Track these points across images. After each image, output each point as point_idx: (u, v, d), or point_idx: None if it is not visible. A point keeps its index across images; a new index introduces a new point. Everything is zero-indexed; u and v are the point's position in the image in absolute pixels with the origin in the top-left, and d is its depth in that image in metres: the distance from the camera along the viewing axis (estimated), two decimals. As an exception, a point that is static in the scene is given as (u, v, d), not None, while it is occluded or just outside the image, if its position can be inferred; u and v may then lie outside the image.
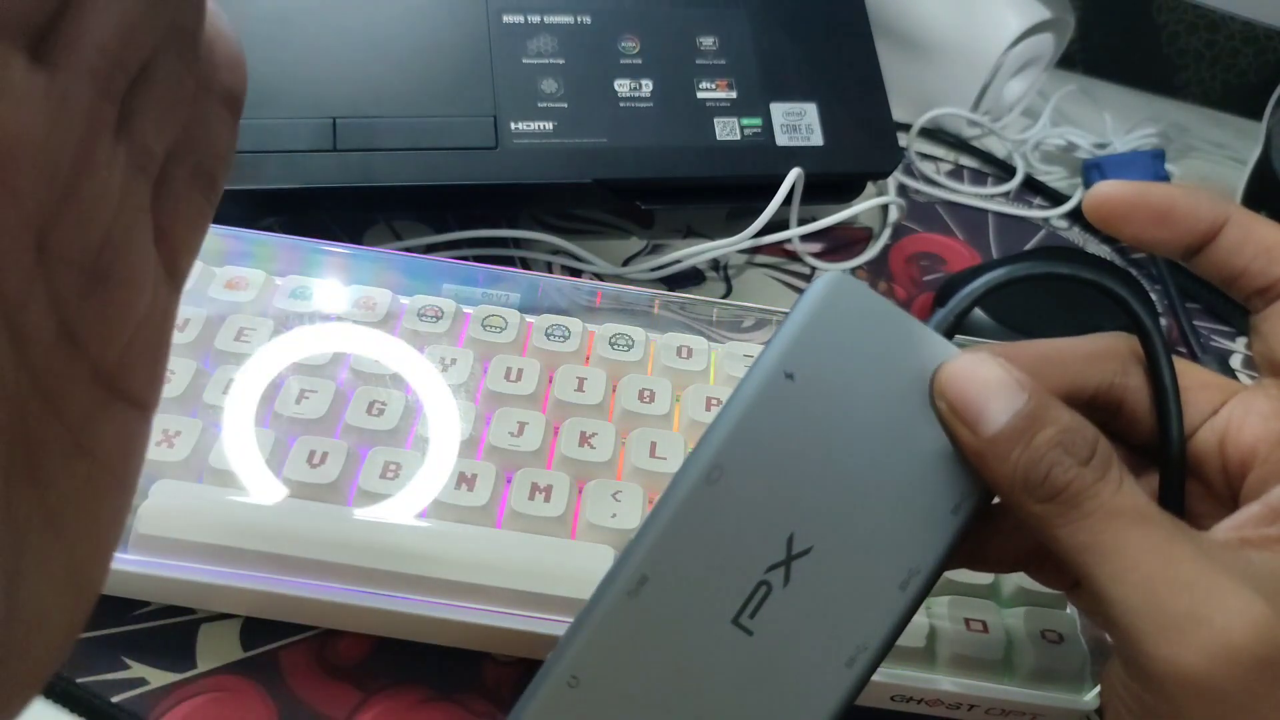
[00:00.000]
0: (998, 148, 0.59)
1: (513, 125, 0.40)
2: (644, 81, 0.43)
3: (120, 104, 0.15)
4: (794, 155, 0.43)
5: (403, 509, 0.29)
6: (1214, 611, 0.16)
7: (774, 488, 0.19)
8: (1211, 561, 0.17)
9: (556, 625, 0.27)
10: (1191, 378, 0.21)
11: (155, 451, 0.28)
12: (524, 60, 0.42)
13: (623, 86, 0.42)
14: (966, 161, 0.57)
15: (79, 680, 0.27)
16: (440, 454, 0.30)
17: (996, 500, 0.20)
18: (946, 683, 0.28)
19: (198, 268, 0.34)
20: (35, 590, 0.15)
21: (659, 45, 0.43)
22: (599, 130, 0.41)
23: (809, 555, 0.19)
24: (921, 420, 0.19)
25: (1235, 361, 0.47)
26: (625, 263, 0.45)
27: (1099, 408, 0.21)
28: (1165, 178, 0.55)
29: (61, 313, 0.15)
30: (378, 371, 0.32)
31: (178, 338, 0.31)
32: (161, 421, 0.29)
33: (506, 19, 0.42)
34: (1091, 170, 0.56)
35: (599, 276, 0.43)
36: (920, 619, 0.29)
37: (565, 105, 0.41)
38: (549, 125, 0.41)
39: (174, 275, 0.18)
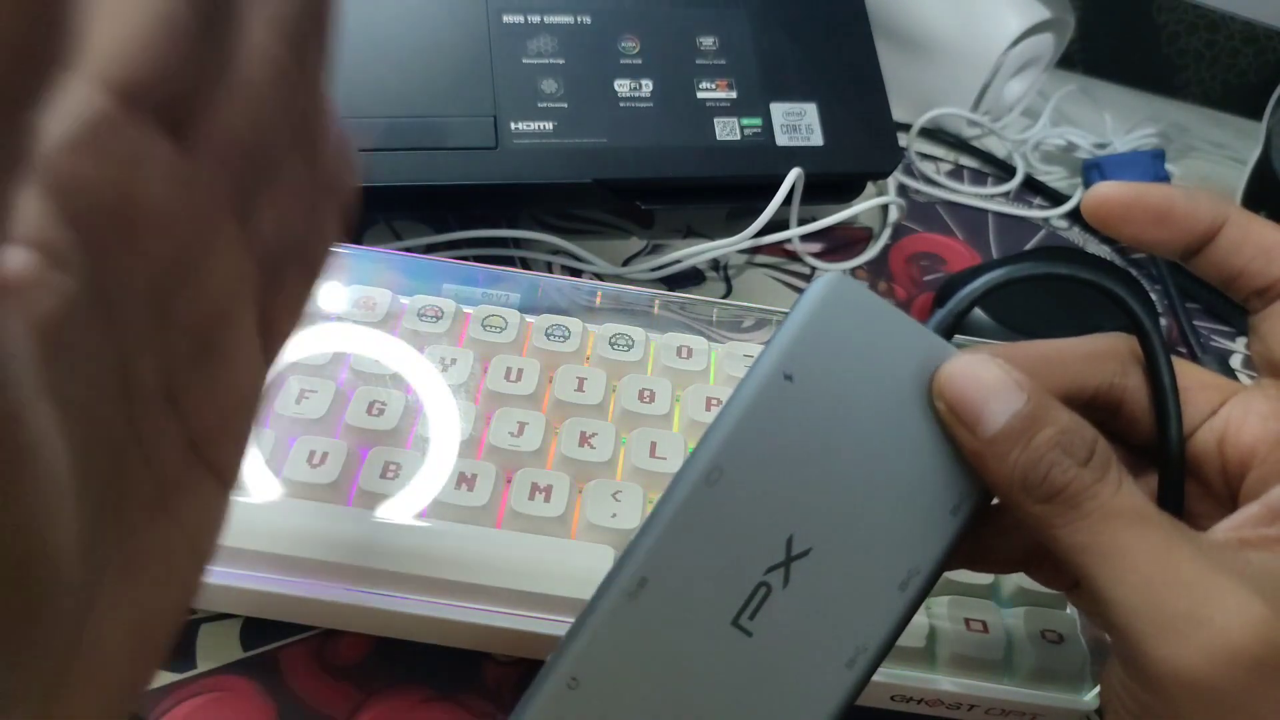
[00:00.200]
0: (998, 148, 0.59)
1: (513, 125, 0.40)
2: (644, 81, 0.43)
3: (247, 195, 0.16)
4: (794, 155, 0.43)
5: (403, 509, 0.29)
6: (1213, 612, 0.16)
7: (773, 489, 0.19)
8: (1210, 562, 0.17)
9: (556, 625, 0.27)
10: (1191, 378, 0.21)
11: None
12: (524, 60, 0.42)
13: (623, 86, 0.42)
14: (966, 161, 0.58)
15: (79, 680, 0.27)
16: (440, 454, 0.30)
17: (996, 501, 0.20)
18: (946, 683, 0.28)
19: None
20: (103, 628, 0.15)
21: (659, 45, 0.43)
22: (599, 130, 0.41)
23: (808, 556, 0.19)
24: (921, 421, 0.20)
25: (1235, 361, 0.47)
26: (625, 263, 0.45)
27: (1098, 408, 0.21)
28: (1165, 178, 0.55)
29: (169, 374, 0.16)
30: (378, 371, 0.32)
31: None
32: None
33: (506, 19, 0.42)
34: (1091, 170, 0.56)
35: (599, 276, 0.43)
36: (920, 619, 0.29)
37: (565, 105, 0.41)
38: (549, 125, 0.41)
39: (269, 359, 0.19)
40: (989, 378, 0.19)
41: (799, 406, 0.19)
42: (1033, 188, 0.56)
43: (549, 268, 0.44)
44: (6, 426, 0.11)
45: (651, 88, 0.43)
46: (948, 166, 0.57)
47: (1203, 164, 0.63)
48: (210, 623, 0.29)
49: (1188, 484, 0.21)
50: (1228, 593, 0.17)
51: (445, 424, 0.31)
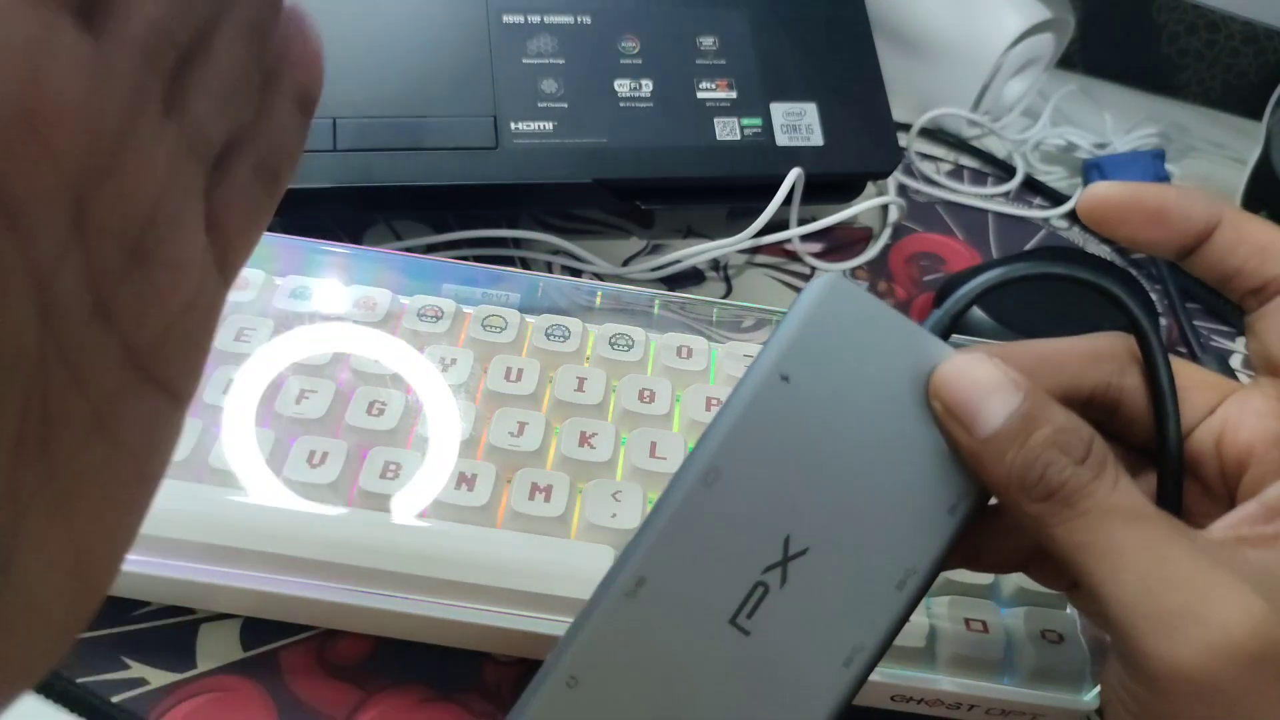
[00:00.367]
0: (998, 148, 0.59)
1: (513, 125, 0.40)
2: (644, 81, 0.43)
3: (173, 81, 0.15)
4: (794, 155, 0.43)
5: (403, 509, 0.29)
6: (1211, 609, 0.16)
7: (771, 490, 0.19)
8: (1208, 559, 0.17)
9: (556, 625, 0.27)
10: (1188, 377, 0.21)
11: (155, 451, 0.28)
12: (524, 60, 0.42)
13: (623, 86, 0.42)
14: (966, 161, 0.58)
15: (79, 680, 0.27)
16: (440, 454, 0.30)
17: (994, 500, 0.20)
18: (946, 683, 0.28)
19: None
20: (33, 574, 0.14)
21: (659, 45, 0.43)
22: (599, 130, 0.41)
23: (806, 556, 0.19)
24: (918, 421, 0.20)
25: (1235, 361, 0.47)
26: (625, 263, 0.45)
27: (1096, 408, 0.21)
28: (1165, 178, 0.55)
29: (97, 286, 0.15)
30: (378, 371, 0.32)
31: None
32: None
33: (506, 19, 0.42)
34: (1091, 170, 0.56)
35: (599, 276, 0.43)
36: (920, 619, 0.29)
37: (565, 105, 0.41)
38: (549, 125, 0.41)
39: (224, 268, 0.18)
40: (985, 377, 0.19)
41: (795, 407, 0.19)
42: (1033, 188, 0.56)
43: (549, 268, 0.44)
44: None
45: (651, 88, 0.43)
46: (948, 166, 0.57)
47: (1203, 164, 0.63)
48: (210, 623, 0.29)
49: (1185, 483, 0.21)
50: (1226, 589, 0.17)
51: (445, 424, 0.31)
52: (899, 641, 0.28)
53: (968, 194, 0.54)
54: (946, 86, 0.57)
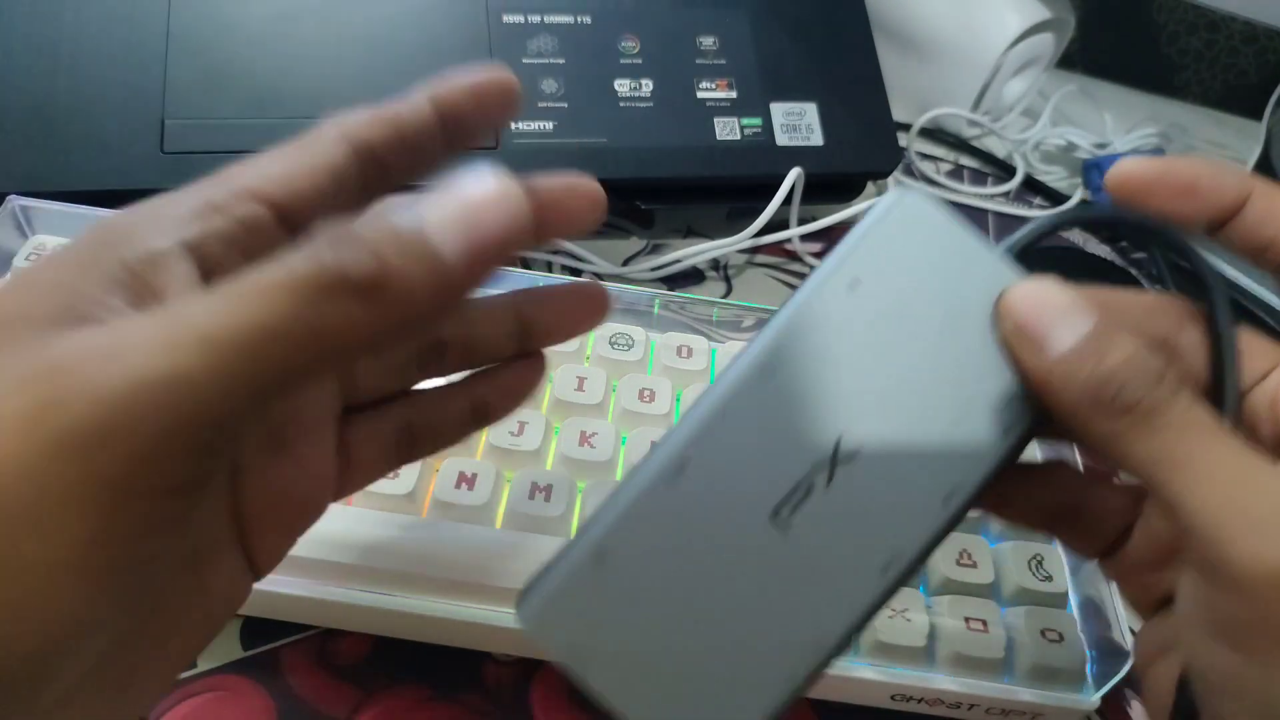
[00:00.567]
0: (998, 148, 0.59)
1: (513, 125, 0.40)
2: (644, 81, 0.43)
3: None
4: (794, 155, 0.43)
5: (403, 508, 0.28)
6: None
7: (827, 389, 0.19)
8: None
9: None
10: (1245, 341, 0.21)
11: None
12: (524, 60, 0.42)
13: (623, 86, 0.42)
14: (966, 161, 0.57)
15: (79, 680, 0.27)
16: (440, 453, 0.30)
17: (1030, 465, 0.20)
18: (947, 682, 0.28)
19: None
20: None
21: (659, 45, 0.43)
22: (599, 130, 0.41)
23: (855, 460, 0.19)
24: (981, 341, 0.19)
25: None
26: (625, 263, 0.45)
27: None
28: (1165, 177, 0.55)
29: (240, 448, 0.17)
30: (378, 371, 0.32)
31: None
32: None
33: (506, 19, 0.42)
34: (1091, 170, 0.56)
35: (599, 276, 0.43)
36: (920, 618, 0.29)
37: (565, 105, 0.41)
38: (549, 125, 0.41)
39: (341, 484, 0.21)
40: (1059, 300, 0.19)
41: (860, 312, 0.19)
42: (1033, 188, 0.56)
43: (549, 267, 0.44)
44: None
45: (651, 88, 0.43)
46: (948, 166, 0.57)
47: (1203, 164, 0.63)
48: (210, 622, 0.29)
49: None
50: None
51: (445, 424, 0.31)
52: (899, 641, 0.28)
53: (968, 194, 0.54)
54: (946, 86, 0.57)
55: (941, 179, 0.55)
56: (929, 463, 0.19)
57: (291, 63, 0.39)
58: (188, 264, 0.16)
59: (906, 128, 0.55)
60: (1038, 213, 0.54)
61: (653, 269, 0.43)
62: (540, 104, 0.41)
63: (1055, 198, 0.55)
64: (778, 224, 0.44)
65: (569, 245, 0.43)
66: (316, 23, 0.40)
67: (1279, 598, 0.16)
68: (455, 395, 0.22)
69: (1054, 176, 0.58)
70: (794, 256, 0.47)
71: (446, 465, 0.29)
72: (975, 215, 0.53)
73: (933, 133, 0.58)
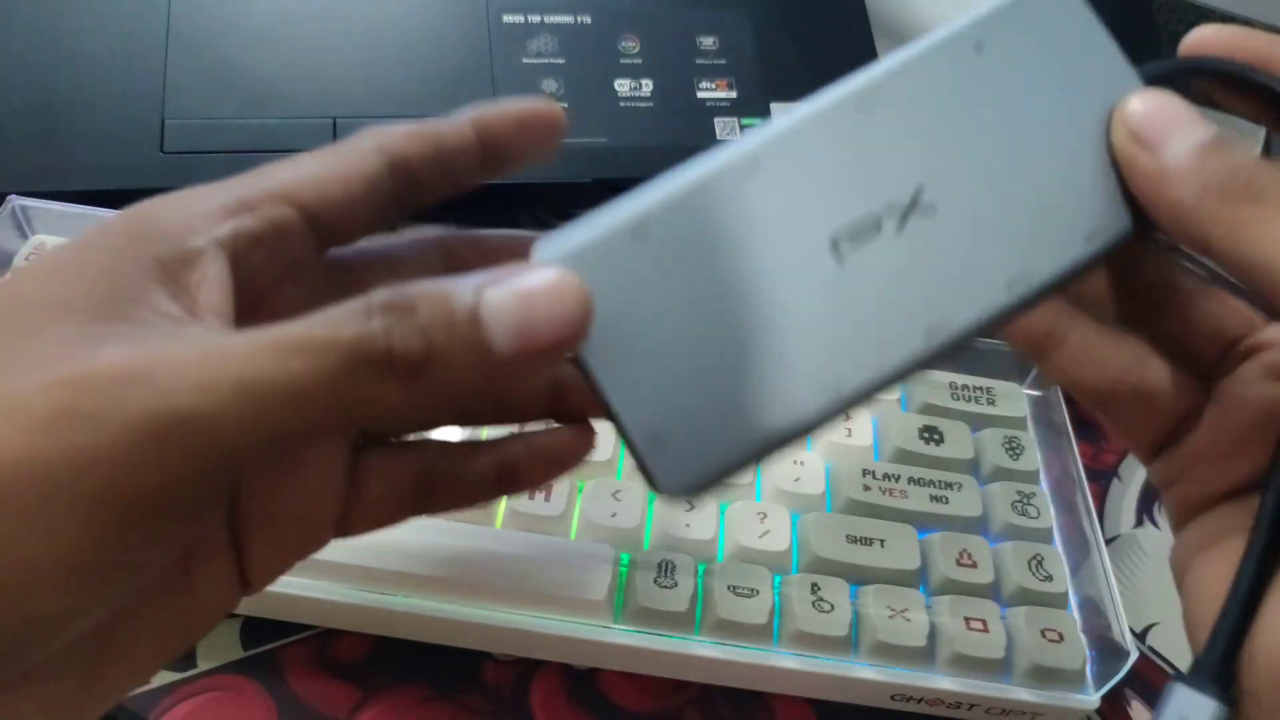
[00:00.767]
0: (998, 148, 0.58)
1: (513, 125, 0.40)
2: (644, 81, 0.43)
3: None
4: (794, 155, 0.43)
5: (403, 508, 0.28)
6: None
7: (923, 137, 0.18)
8: None
9: (557, 625, 0.27)
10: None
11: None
12: (524, 60, 0.42)
13: (623, 86, 0.42)
14: (966, 161, 0.57)
15: (79, 680, 0.27)
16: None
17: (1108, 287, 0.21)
18: (947, 682, 0.28)
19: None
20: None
21: (659, 45, 0.43)
22: (599, 130, 0.41)
23: (930, 214, 0.18)
24: (1091, 140, 0.19)
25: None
26: (625, 263, 0.45)
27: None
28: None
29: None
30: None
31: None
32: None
33: (506, 19, 0.42)
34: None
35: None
36: (920, 617, 0.29)
37: (565, 105, 0.41)
38: (549, 125, 0.41)
39: (342, 529, 0.20)
40: (1181, 110, 0.19)
41: (979, 74, 0.19)
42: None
43: (549, 268, 0.44)
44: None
45: (651, 87, 0.43)
46: (948, 166, 0.57)
47: (1203, 164, 0.63)
48: (210, 622, 0.29)
49: None
50: None
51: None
52: (899, 641, 0.28)
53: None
54: (946, 86, 0.57)
55: (941, 179, 0.55)
56: (1004, 242, 0.18)
57: (291, 63, 0.39)
58: (221, 263, 0.16)
59: (906, 128, 0.55)
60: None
61: (653, 269, 0.43)
62: (540, 104, 0.41)
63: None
64: (778, 224, 0.43)
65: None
66: (317, 23, 0.40)
67: None
68: (483, 452, 0.21)
69: (1054, 176, 0.58)
70: (794, 256, 0.47)
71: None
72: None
73: (933, 133, 0.58)
